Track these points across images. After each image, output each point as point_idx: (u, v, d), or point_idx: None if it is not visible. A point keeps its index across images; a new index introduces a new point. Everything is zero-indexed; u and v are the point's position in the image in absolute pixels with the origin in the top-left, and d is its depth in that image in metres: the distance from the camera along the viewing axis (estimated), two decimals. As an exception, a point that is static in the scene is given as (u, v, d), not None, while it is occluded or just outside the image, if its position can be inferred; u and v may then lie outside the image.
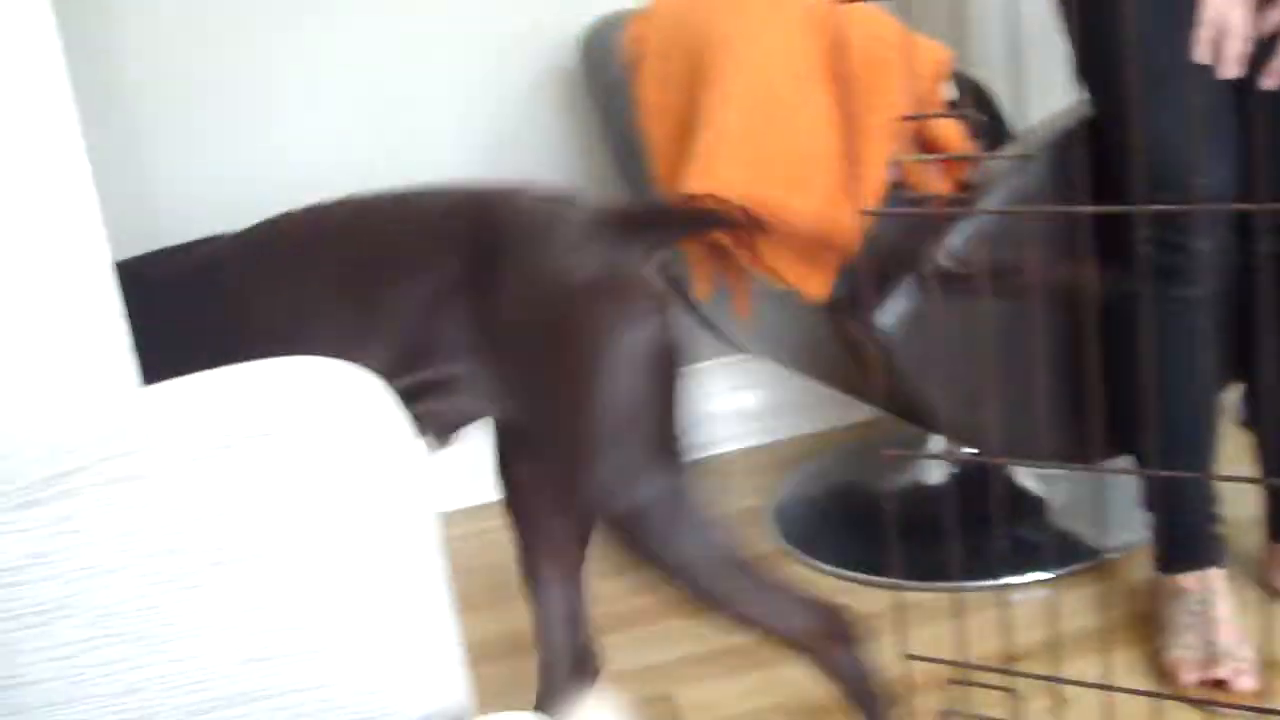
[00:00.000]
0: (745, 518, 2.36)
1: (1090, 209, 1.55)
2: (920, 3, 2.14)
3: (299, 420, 0.87)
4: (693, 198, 1.70)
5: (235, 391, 0.89)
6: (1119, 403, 1.76)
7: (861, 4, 1.71)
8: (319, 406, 0.88)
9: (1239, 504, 1.98)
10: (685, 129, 1.78)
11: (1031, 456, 1.93)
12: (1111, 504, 2.18)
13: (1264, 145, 1.66)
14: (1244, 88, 1.63)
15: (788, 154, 1.70)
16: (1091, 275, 1.65)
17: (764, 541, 2.28)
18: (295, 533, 0.86)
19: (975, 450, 2.04)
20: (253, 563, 0.86)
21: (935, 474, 2.30)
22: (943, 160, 1.76)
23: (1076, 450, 1.88)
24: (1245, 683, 1.73)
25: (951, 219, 1.72)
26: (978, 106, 2.14)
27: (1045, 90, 1.85)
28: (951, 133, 1.78)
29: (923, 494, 2.26)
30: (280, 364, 0.90)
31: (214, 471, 0.85)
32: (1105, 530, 2.15)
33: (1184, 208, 1.61)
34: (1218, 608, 1.80)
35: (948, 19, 2.29)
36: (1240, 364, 1.85)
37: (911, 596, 2.03)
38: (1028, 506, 2.28)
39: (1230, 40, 1.57)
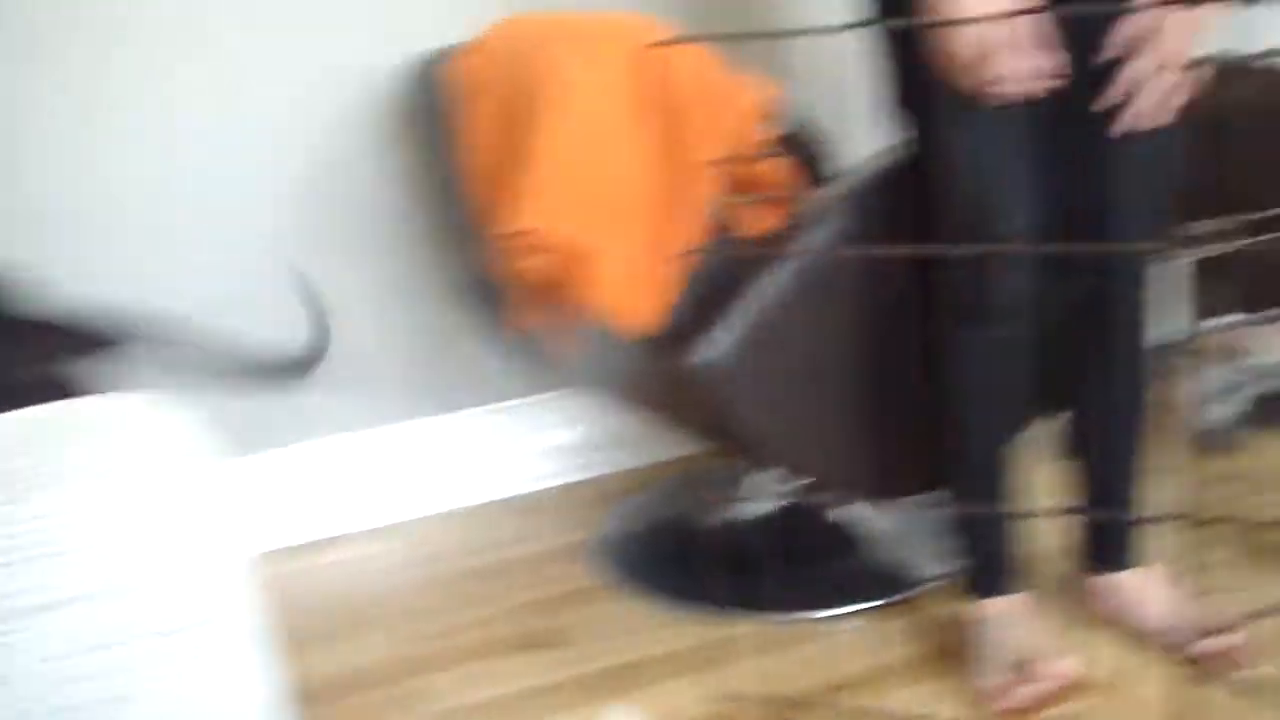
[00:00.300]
0: (567, 553, 2.35)
1: (893, 250, 1.58)
2: (749, 41, 2.17)
3: (106, 460, 0.83)
4: (515, 234, 1.70)
5: (36, 434, 0.85)
6: (931, 437, 1.81)
7: (685, 44, 1.73)
8: (127, 446, 0.85)
9: (1052, 533, 2.04)
10: (509, 165, 1.78)
11: (853, 489, 1.96)
12: (931, 534, 2.22)
13: (1079, 183, 1.71)
14: (1064, 123, 1.68)
15: (610, 192, 1.71)
16: (904, 312, 1.68)
17: (587, 576, 2.28)
18: (102, 575, 0.83)
19: (803, 481, 2.07)
20: (57, 610, 0.82)
21: (760, 507, 2.32)
22: (763, 199, 1.79)
23: (894, 483, 1.92)
24: (1054, 686, 1.78)
25: (770, 259, 1.74)
26: (807, 144, 2.18)
27: (876, 128, 1.89)
28: (774, 171, 1.81)
29: (747, 527, 2.28)
30: (84, 405, 0.87)
31: (13, 517, 0.81)
32: (927, 559, 2.19)
33: (995, 248, 1.65)
34: (1021, 631, 1.86)
35: (776, 57, 2.33)
36: (1065, 398, 1.90)
37: (734, 630, 2.04)
38: (851, 538, 2.31)
39: (993, 62, 1.57)
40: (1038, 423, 1.95)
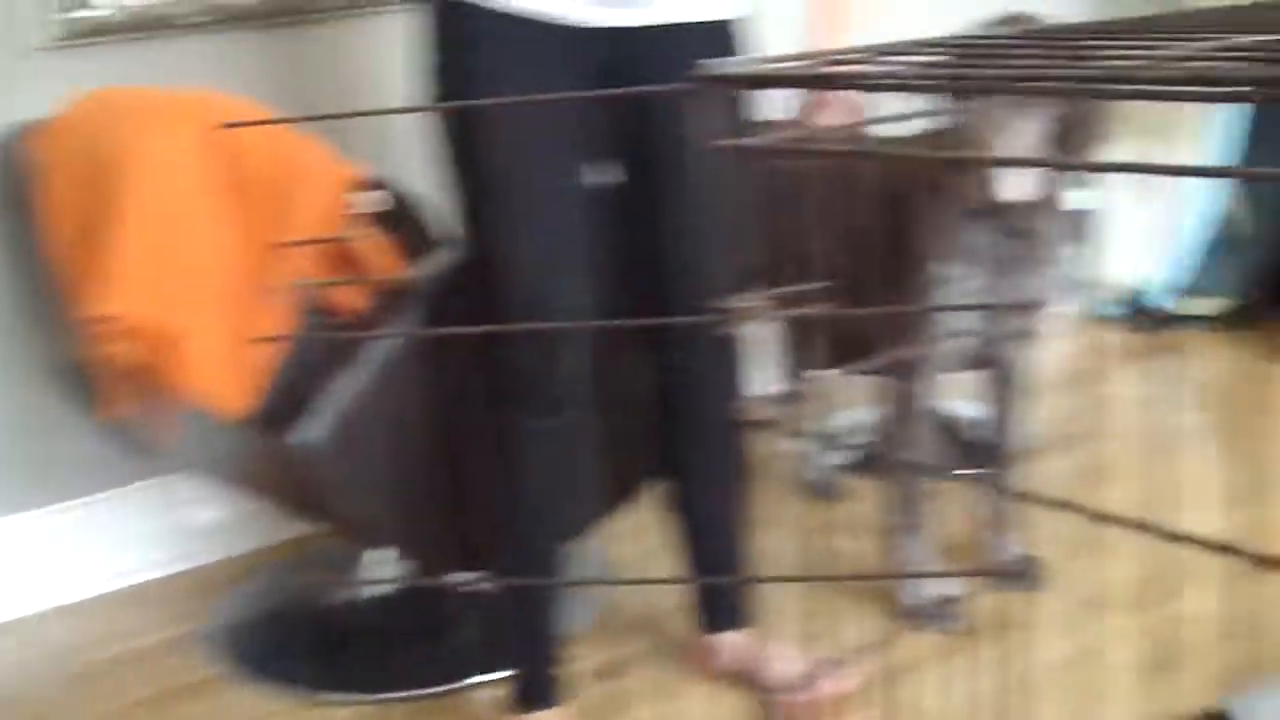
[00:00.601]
0: (183, 643, 2.26)
1: (449, 331, 1.59)
2: (326, 121, 2.16)
3: None
4: (100, 318, 1.64)
5: None
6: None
7: (261, 123, 1.71)
8: None
9: (665, 592, 2.10)
10: (90, 246, 1.71)
11: (446, 566, 1.97)
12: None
13: (641, 259, 1.77)
14: (624, 202, 1.74)
15: (192, 273, 1.67)
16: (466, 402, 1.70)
17: (204, 667, 2.19)
18: None
19: (414, 557, 2.06)
20: None
21: (378, 586, 2.29)
22: (356, 279, 1.78)
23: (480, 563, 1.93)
24: None
25: (355, 341, 1.74)
26: (406, 218, 2.18)
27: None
28: (368, 248, 1.81)
29: (366, 607, 2.25)
30: None
31: None
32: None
33: (544, 325, 1.67)
34: None
35: (371, 133, 2.33)
36: (666, 463, 1.95)
37: (356, 710, 2.01)
38: (475, 608, 2.31)
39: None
40: (613, 512, 1.99)
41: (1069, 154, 1.97)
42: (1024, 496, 2.51)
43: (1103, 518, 0.68)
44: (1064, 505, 2.43)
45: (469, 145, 1.66)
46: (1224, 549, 0.65)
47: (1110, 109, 1.97)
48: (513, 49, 1.63)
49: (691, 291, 1.76)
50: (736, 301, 1.71)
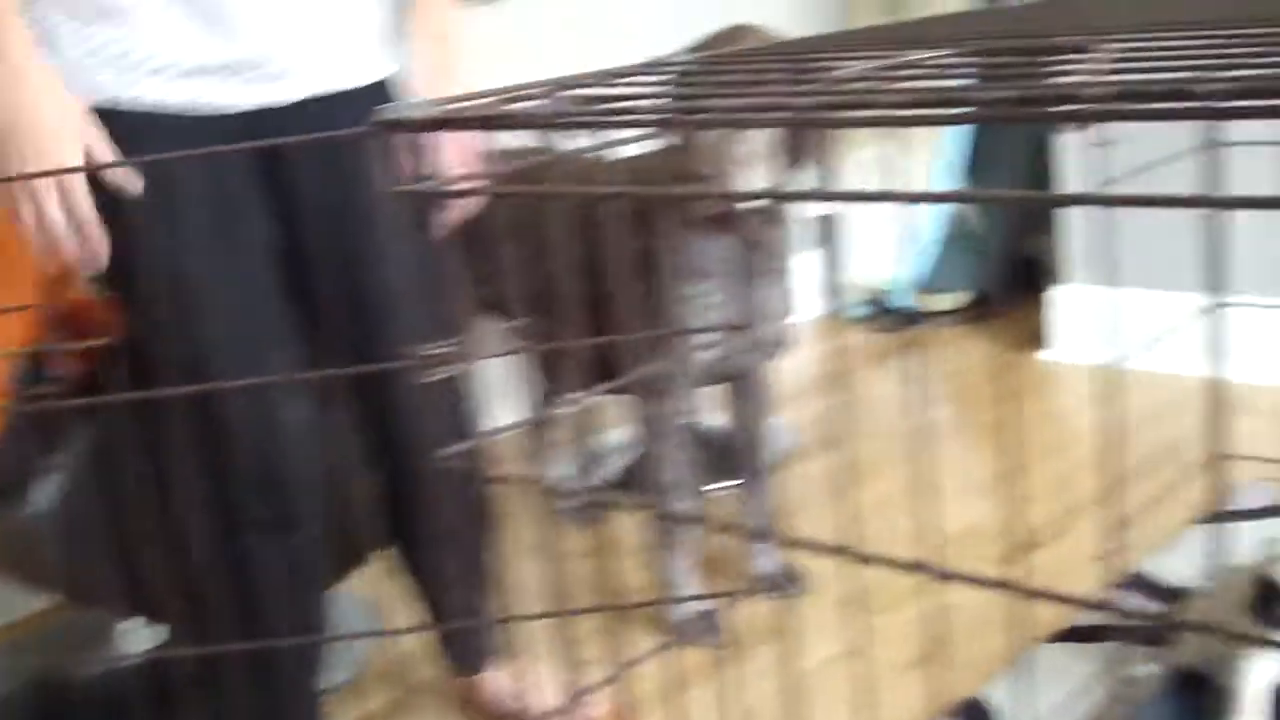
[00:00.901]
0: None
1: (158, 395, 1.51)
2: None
3: None
4: None
5: None
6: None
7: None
8: None
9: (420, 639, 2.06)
10: None
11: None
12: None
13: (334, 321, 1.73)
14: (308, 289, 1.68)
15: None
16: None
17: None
18: None
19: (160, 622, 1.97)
20: None
21: (131, 656, 2.19)
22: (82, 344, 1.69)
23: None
24: None
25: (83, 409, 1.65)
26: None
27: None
28: (88, 307, 1.72)
29: (120, 677, 2.14)
30: None
31: None
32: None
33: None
34: None
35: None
36: (391, 529, 1.89)
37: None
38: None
39: (55, 237, 1.53)
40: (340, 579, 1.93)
41: (796, 162, 2.01)
42: (768, 514, 2.55)
43: (804, 543, 0.69)
44: (779, 537, 2.48)
45: (145, 255, 1.58)
46: (913, 567, 0.65)
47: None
48: (167, 148, 1.55)
49: (392, 347, 1.71)
50: (441, 347, 1.66)
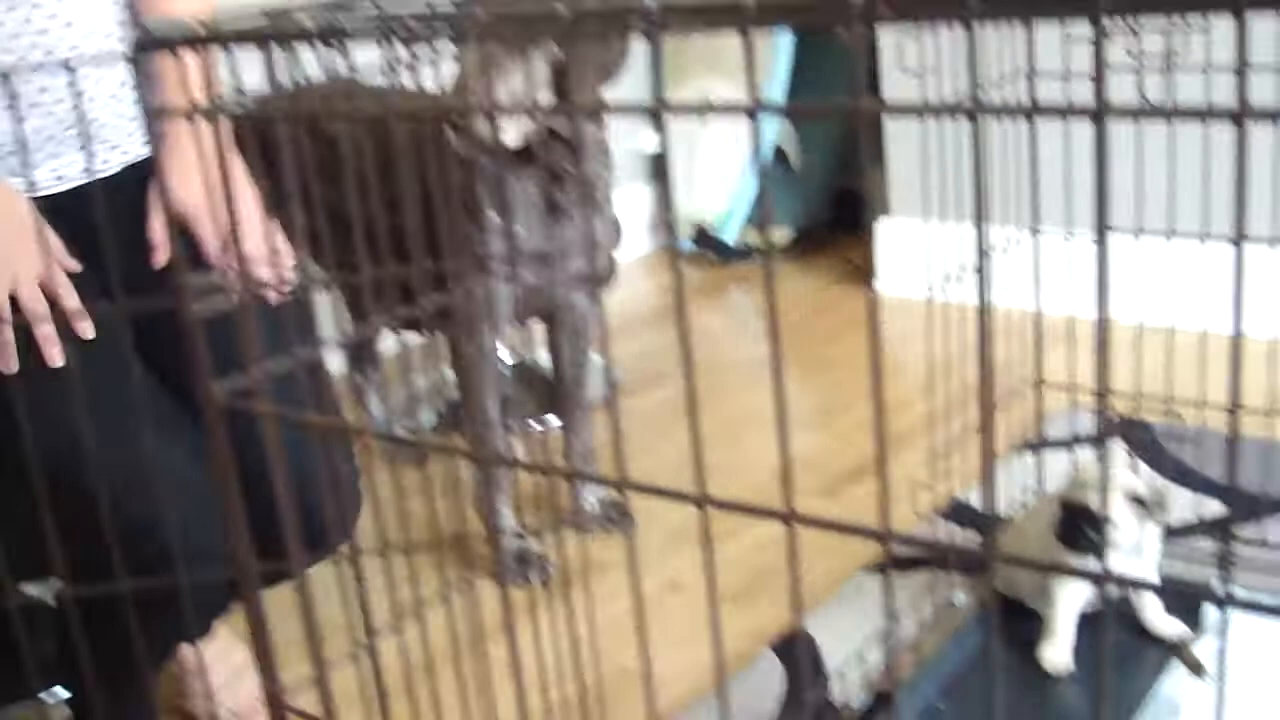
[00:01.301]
0: None
1: None
2: None
3: None
4: None
5: None
6: None
7: None
8: None
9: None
10: None
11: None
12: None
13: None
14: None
15: None
16: None
17: None
18: None
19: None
20: None
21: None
22: None
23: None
24: None
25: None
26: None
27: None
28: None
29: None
30: None
31: None
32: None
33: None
34: None
35: None
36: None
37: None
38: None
39: None
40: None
41: (577, 92, 1.93)
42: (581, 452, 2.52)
43: (633, 485, 0.65)
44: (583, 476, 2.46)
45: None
46: (701, 501, 0.62)
47: (624, 45, 1.96)
48: None
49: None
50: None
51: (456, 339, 2.10)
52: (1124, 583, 1.54)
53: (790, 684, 1.82)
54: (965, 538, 2.09)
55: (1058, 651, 1.74)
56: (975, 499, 2.17)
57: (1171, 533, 2.02)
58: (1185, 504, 2.09)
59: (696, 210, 3.80)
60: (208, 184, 1.48)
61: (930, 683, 1.72)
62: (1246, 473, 2.01)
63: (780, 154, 3.74)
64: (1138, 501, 1.69)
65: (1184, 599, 1.80)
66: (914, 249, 3.31)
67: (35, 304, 1.47)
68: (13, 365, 1.46)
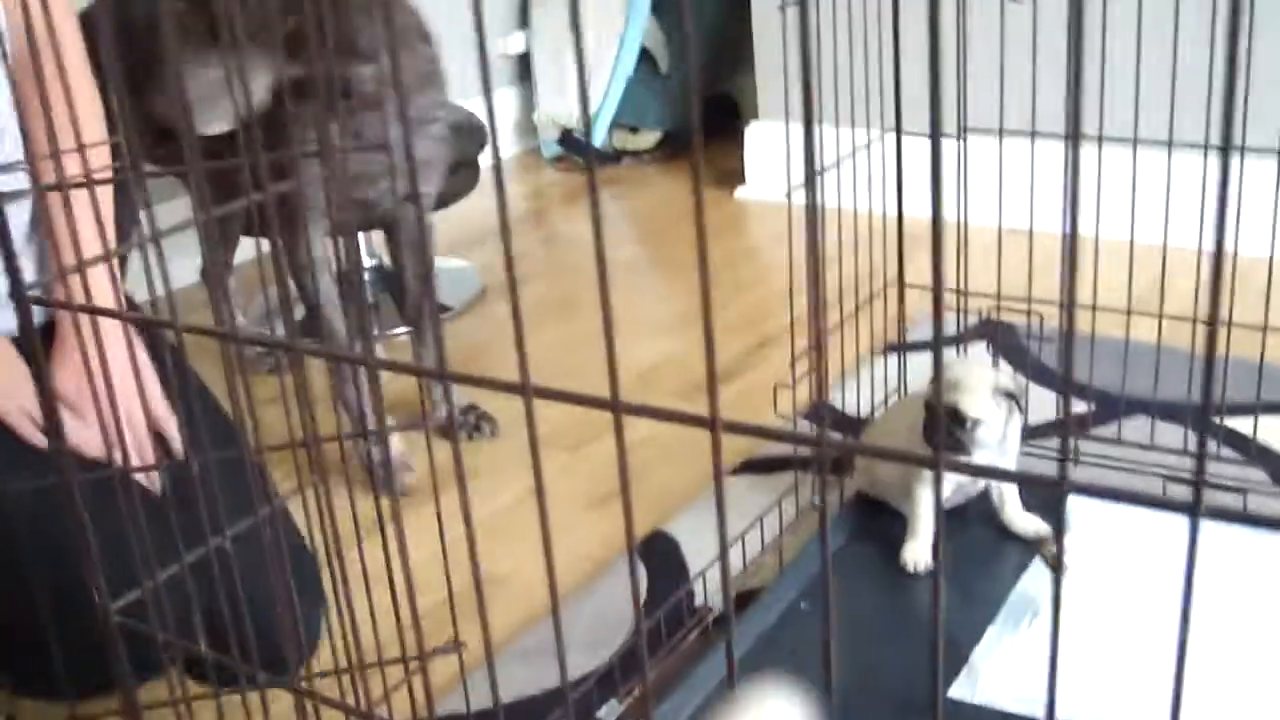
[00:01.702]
0: None
1: None
2: None
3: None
4: None
5: None
6: None
7: None
8: None
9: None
10: None
11: None
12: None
13: None
14: None
15: None
16: None
17: None
18: None
19: None
20: None
21: None
22: None
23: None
24: None
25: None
26: None
27: None
28: None
29: None
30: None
31: None
32: None
33: None
34: None
35: None
36: None
37: None
38: None
39: None
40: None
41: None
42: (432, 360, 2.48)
43: (484, 382, 0.61)
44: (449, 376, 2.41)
45: None
46: (582, 400, 0.58)
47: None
48: None
49: None
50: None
51: (283, 243, 2.02)
52: (984, 474, 1.53)
53: (652, 586, 1.80)
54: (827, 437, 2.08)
55: (919, 550, 1.74)
56: (838, 400, 2.16)
57: (1032, 432, 2.04)
58: (1046, 403, 2.11)
59: (563, 113, 3.73)
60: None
61: (793, 583, 1.71)
62: (1105, 372, 2.02)
63: (648, 56, 3.68)
64: (1007, 395, 1.69)
65: (1043, 497, 1.82)
66: (782, 152, 3.29)
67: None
68: None
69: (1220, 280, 0.47)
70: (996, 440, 1.71)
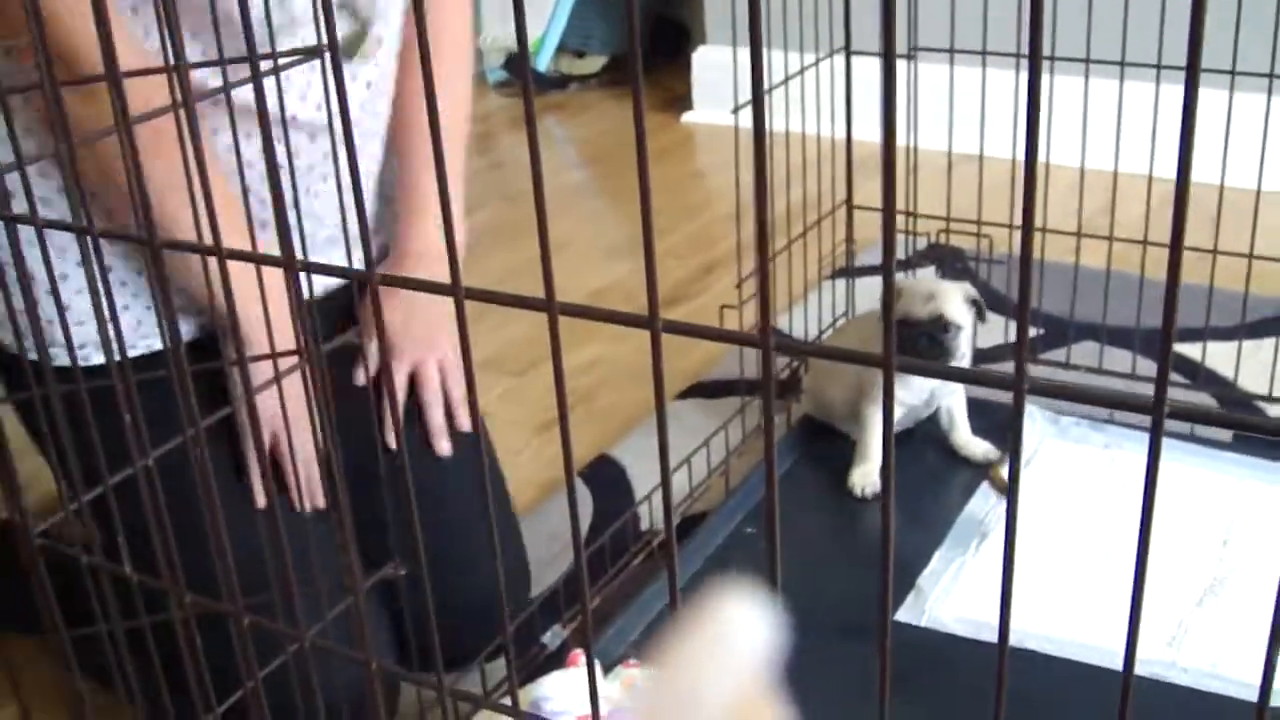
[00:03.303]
0: None
1: None
2: None
3: None
4: None
5: None
6: None
7: None
8: None
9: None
10: None
11: None
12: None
13: None
14: None
15: None
16: None
17: None
18: None
19: None
20: None
21: None
22: None
23: None
24: None
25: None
26: None
27: None
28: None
29: None
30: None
31: None
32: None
33: None
34: None
35: None
36: None
37: None
38: None
39: None
40: None
41: None
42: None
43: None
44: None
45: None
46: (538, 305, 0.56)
47: None
48: None
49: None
50: None
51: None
52: (942, 375, 1.51)
53: (598, 510, 1.79)
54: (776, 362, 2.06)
55: (867, 474, 1.73)
56: (787, 324, 2.14)
57: (980, 356, 2.03)
58: (995, 328, 2.10)
59: (508, 38, 3.66)
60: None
61: (739, 507, 1.70)
62: (1053, 298, 2.01)
63: (595, -22, 3.62)
64: (973, 303, 1.69)
65: (993, 421, 1.81)
66: (729, 77, 3.24)
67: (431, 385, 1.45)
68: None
69: (1184, 204, 0.45)
70: (970, 348, 1.71)
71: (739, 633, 0.38)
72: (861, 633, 1.49)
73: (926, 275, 2.27)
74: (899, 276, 2.13)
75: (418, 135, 1.53)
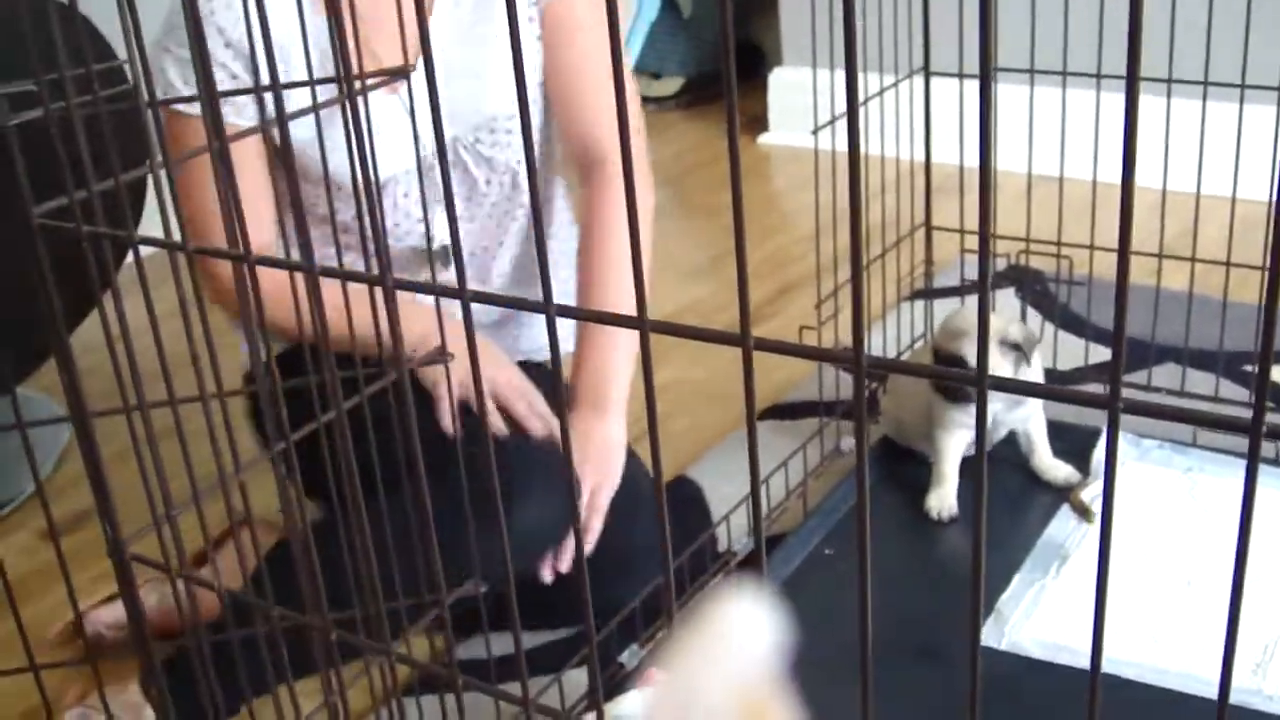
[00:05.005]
0: None
1: None
2: None
3: None
4: None
5: None
6: None
7: None
8: None
9: None
10: None
11: None
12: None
13: None
14: None
15: None
16: None
17: None
18: None
19: None
20: None
21: None
22: None
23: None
24: None
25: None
26: None
27: None
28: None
29: None
30: None
31: None
32: None
33: None
34: None
35: None
36: None
37: None
38: None
39: None
40: None
41: None
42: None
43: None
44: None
45: None
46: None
47: None
48: None
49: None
50: None
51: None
52: (1032, 392, 1.49)
53: (674, 530, 1.79)
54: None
55: (943, 498, 1.72)
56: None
57: (1060, 378, 2.01)
58: (1074, 352, 2.08)
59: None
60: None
61: (817, 528, 1.70)
62: (1135, 320, 1.99)
63: (671, 3, 3.64)
64: (1013, 347, 1.66)
65: (1073, 444, 1.79)
66: (805, 99, 3.25)
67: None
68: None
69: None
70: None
71: (744, 634, 0.38)
72: (938, 655, 1.49)
73: (1004, 297, 2.26)
74: (956, 306, 2.12)
75: (612, 294, 1.66)
